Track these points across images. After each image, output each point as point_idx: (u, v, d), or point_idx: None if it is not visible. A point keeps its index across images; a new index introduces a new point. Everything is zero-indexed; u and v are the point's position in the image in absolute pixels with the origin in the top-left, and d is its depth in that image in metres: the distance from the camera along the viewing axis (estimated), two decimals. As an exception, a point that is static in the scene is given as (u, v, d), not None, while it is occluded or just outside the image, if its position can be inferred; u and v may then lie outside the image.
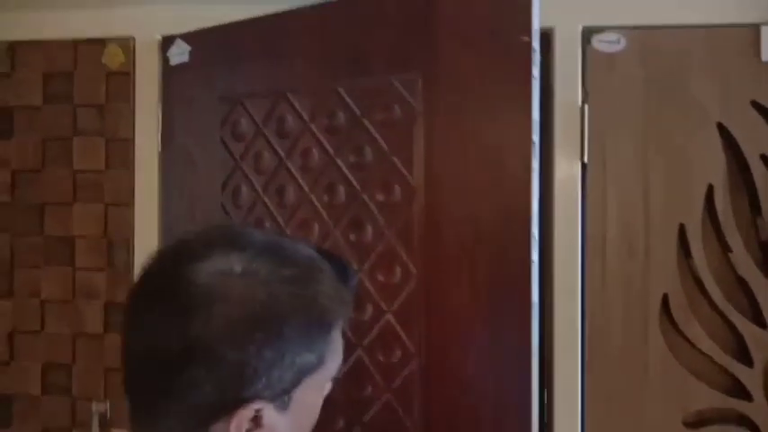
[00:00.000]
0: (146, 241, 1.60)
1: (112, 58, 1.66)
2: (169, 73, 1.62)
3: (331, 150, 1.38)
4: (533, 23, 1.16)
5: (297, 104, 1.42)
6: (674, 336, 1.46)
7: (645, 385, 1.45)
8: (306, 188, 1.41)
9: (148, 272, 0.70)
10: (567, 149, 1.50)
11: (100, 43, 1.65)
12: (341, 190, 1.36)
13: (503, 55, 1.19)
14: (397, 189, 1.31)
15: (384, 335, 1.30)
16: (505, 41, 1.18)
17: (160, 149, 1.62)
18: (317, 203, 1.38)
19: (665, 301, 1.46)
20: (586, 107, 1.49)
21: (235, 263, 0.66)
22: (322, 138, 1.39)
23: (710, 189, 1.46)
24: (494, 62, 1.20)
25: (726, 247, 1.46)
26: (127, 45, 1.64)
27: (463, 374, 1.23)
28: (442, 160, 1.26)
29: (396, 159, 1.30)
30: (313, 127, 1.40)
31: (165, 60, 1.63)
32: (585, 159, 1.49)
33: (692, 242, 1.46)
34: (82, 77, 1.66)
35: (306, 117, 1.41)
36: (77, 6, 1.64)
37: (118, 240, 1.62)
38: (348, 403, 1.31)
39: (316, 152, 1.39)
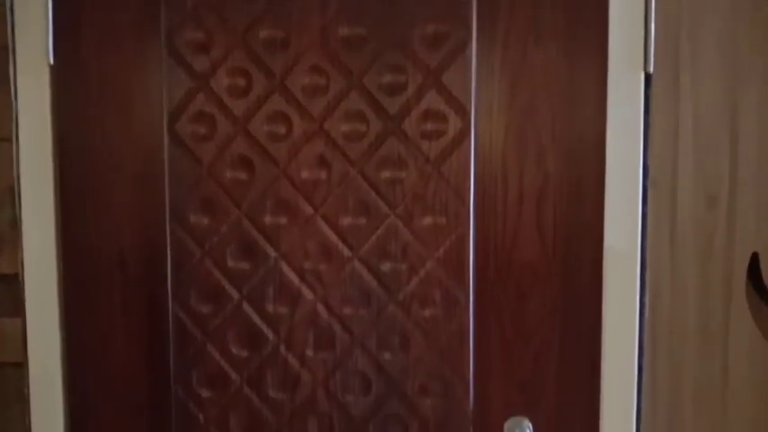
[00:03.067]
0: (37, 192, 1.16)
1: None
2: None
3: (354, 70, 1.12)
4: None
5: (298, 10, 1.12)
6: (766, 310, 1.09)
7: (726, 377, 1.08)
8: (315, 116, 1.13)
9: None
10: (625, 55, 1.09)
11: None
12: (368, 117, 1.12)
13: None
14: (448, 118, 1.11)
15: (426, 286, 1.14)
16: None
17: (52, 61, 1.15)
18: (333, 135, 1.13)
19: (753, 263, 1.08)
20: (653, -5, 1.07)
21: None
22: (341, 53, 1.12)
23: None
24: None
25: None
26: None
27: (524, 326, 1.13)
28: (501, 86, 1.11)
29: (446, 82, 1.10)
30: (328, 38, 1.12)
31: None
32: (650, 69, 1.09)
33: (793, 184, 1.07)
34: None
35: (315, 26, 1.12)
36: None
37: (-1, 188, 1.18)
38: (383, 365, 1.16)
39: (330, 71, 1.12)
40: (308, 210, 1.14)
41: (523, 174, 1.10)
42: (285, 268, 1.15)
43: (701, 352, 1.10)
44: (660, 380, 1.10)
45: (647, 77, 1.09)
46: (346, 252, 1.14)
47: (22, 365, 1.18)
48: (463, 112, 1.10)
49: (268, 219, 1.15)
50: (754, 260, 1.09)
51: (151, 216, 1.16)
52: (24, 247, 1.17)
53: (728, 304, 1.09)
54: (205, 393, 1.19)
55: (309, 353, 1.16)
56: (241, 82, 1.13)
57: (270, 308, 1.16)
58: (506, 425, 1.13)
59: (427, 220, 1.12)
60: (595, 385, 1.10)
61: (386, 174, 1.12)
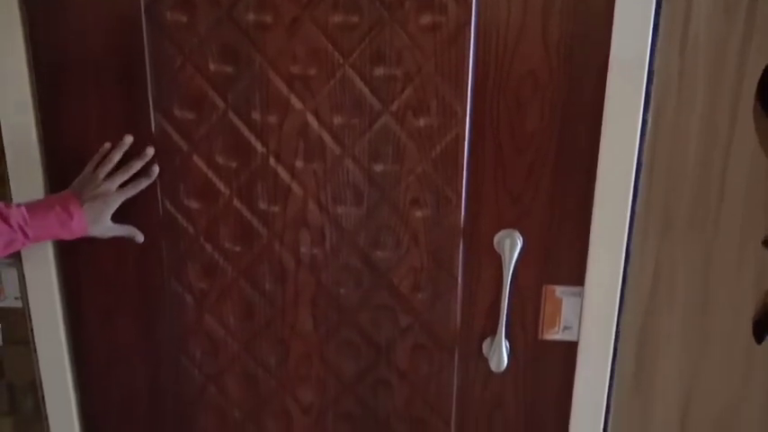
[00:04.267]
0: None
1: None
2: None
3: None
4: None
5: None
6: (770, 127, 1.05)
7: (722, 196, 1.07)
8: None
9: None
10: None
11: None
12: None
13: None
14: None
15: (420, 93, 1.07)
16: None
17: None
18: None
19: (765, 78, 1.02)
20: None
21: None
22: None
23: None
24: None
25: None
26: None
27: (521, 137, 1.08)
28: None
29: None
30: None
31: None
32: None
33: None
34: None
35: None
36: None
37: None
38: (375, 177, 1.13)
39: None
40: (295, 9, 1.05)
41: (532, -29, 1.00)
42: (271, 74, 1.08)
43: (700, 170, 1.06)
44: (655, 197, 1.09)
45: None
46: (336, 56, 1.06)
47: (4, 180, 1.14)
48: None
49: (251, 17, 1.05)
50: (766, 74, 1.03)
51: (125, 16, 1.07)
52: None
53: (734, 121, 1.05)
54: (194, 205, 1.17)
55: (299, 164, 1.13)
56: None
57: (257, 117, 1.11)
58: (496, 236, 1.13)
59: (425, 20, 1.03)
60: (588, 200, 1.08)
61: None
